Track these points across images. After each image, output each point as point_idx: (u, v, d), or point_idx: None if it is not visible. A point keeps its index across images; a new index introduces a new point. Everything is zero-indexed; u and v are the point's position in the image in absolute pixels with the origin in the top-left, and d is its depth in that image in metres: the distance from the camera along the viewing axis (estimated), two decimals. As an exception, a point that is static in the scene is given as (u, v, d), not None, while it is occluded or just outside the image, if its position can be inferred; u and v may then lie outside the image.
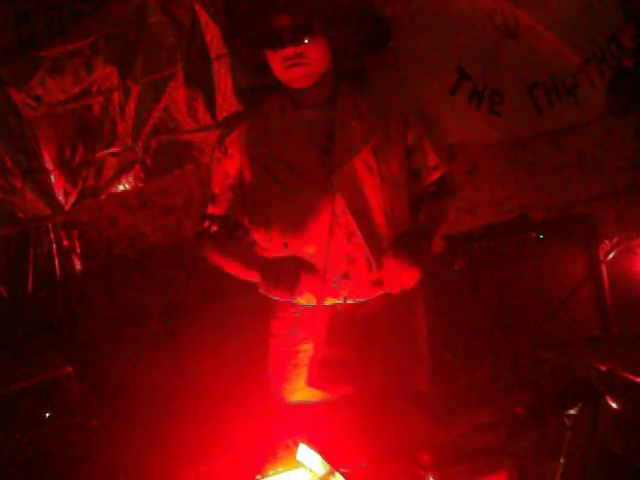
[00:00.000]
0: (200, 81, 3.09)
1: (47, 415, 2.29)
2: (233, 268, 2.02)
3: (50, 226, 3.01)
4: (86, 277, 3.04)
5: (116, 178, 3.07)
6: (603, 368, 1.87)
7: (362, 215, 1.90)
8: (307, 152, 1.89)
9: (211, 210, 2.07)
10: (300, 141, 1.89)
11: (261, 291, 1.94)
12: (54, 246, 3.01)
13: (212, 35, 3.08)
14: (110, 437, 2.22)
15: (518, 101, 3.47)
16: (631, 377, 1.81)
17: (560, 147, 3.62)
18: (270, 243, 1.97)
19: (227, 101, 3.11)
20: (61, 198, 2.99)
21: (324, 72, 1.91)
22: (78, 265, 3.06)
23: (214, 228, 2.04)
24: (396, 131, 1.96)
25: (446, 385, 1.91)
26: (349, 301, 1.96)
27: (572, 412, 1.69)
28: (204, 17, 3.07)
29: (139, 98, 3.04)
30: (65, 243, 3.04)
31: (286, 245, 1.92)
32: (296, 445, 1.64)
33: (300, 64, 1.84)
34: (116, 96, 3.01)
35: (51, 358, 2.47)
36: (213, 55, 3.09)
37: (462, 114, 3.42)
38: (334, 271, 1.92)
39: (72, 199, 3.00)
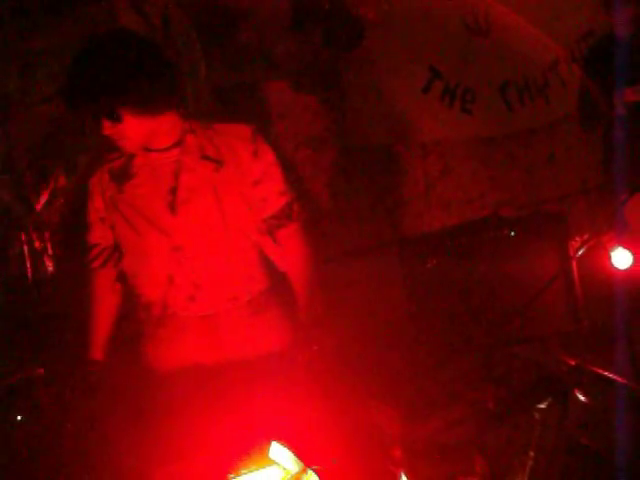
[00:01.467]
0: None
1: (18, 418, 2.27)
2: (86, 327, 2.19)
3: (22, 228, 2.98)
4: (58, 278, 3.01)
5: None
6: (572, 363, 1.90)
7: (202, 252, 2.02)
8: (153, 198, 1.99)
9: (91, 239, 2.16)
10: (147, 185, 1.99)
11: None
12: (26, 247, 2.98)
13: (184, 36, 3.07)
14: (83, 439, 2.20)
15: (490, 99, 3.52)
16: (599, 371, 1.85)
17: (531, 145, 3.66)
18: (125, 270, 2.12)
19: (201, 101, 3.10)
20: (33, 199, 2.97)
21: (154, 130, 1.95)
22: (50, 266, 3.03)
23: (97, 263, 2.15)
24: (242, 164, 2.04)
25: (418, 381, 1.92)
26: (200, 314, 2.06)
27: (542, 406, 1.71)
28: (176, 17, 3.05)
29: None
30: (37, 244, 3.01)
31: (134, 274, 2.07)
32: (268, 443, 1.64)
33: (119, 139, 1.91)
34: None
35: (22, 360, 2.44)
36: (186, 56, 3.08)
37: (434, 112, 3.46)
38: (182, 295, 2.04)
39: (43, 199, 2.98)
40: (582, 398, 1.76)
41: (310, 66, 3.29)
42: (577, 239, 2.81)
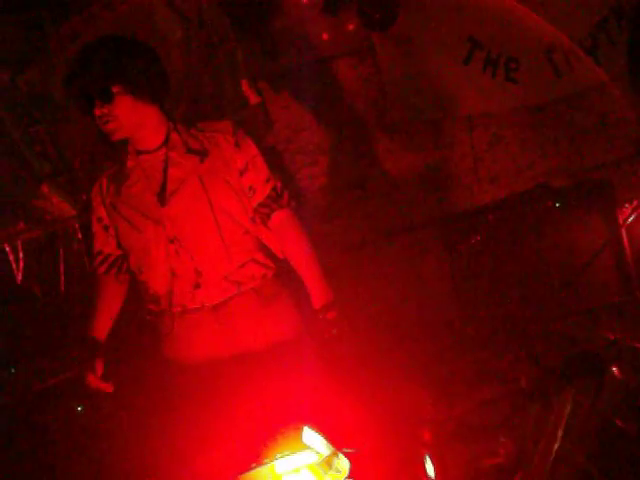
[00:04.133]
0: (209, 74, 3.13)
1: (79, 408, 2.40)
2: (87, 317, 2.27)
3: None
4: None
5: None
6: (612, 337, 1.86)
7: (196, 239, 2.11)
8: (145, 193, 2.12)
9: (96, 247, 2.29)
10: (140, 184, 2.12)
11: None
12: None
13: (218, 29, 3.11)
14: (135, 426, 2.31)
15: (535, 66, 3.40)
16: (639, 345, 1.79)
17: (582, 109, 3.53)
18: (130, 267, 2.22)
19: (238, 89, 3.14)
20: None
21: (141, 122, 2.09)
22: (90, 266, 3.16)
23: (103, 269, 2.27)
24: (225, 158, 2.14)
25: (452, 361, 1.92)
26: (207, 304, 2.13)
27: (576, 384, 1.68)
28: (210, 12, 3.09)
29: (152, 95, 3.09)
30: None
31: (139, 269, 2.17)
32: (301, 429, 1.69)
33: (109, 121, 2.05)
34: (130, 94, 3.07)
35: (81, 354, 2.56)
36: (221, 47, 3.12)
37: (477, 84, 3.38)
38: (186, 284, 2.12)
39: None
40: (620, 376, 1.71)
41: (347, 48, 3.28)
42: (627, 206, 2.71)
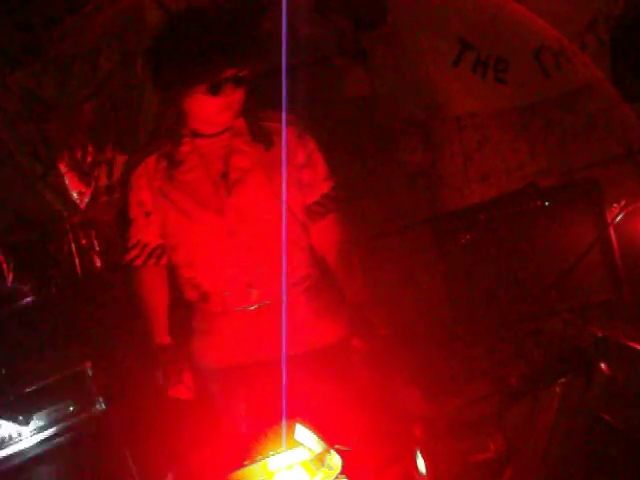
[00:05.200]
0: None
1: (71, 408, 2.40)
2: (145, 319, 2.19)
3: (68, 226, 3.12)
4: (106, 273, 3.14)
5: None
6: (599, 334, 1.88)
7: (259, 233, 2.02)
8: (204, 181, 2.00)
9: (132, 236, 2.17)
10: (197, 170, 2.00)
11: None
12: (73, 245, 3.12)
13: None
14: (129, 426, 2.32)
15: (524, 67, 3.41)
16: (628, 343, 1.81)
17: (571, 110, 3.55)
18: (177, 260, 2.11)
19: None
20: (76, 198, 3.10)
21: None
22: (98, 262, 3.16)
23: (139, 261, 2.16)
24: (288, 149, 2.03)
25: (443, 359, 1.93)
26: (256, 305, 2.05)
27: (564, 380, 1.70)
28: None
29: (144, 95, 3.10)
30: (84, 242, 3.14)
31: (192, 264, 2.05)
32: (293, 426, 1.70)
33: (232, 109, 1.95)
34: (121, 95, 3.08)
35: (72, 354, 2.57)
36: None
37: (467, 85, 3.38)
38: (239, 282, 2.03)
39: (86, 198, 3.10)
40: (607, 372, 1.73)
41: (336, 48, 3.30)
42: (615, 205, 2.73)
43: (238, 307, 2.05)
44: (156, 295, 2.21)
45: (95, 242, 3.16)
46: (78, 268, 3.11)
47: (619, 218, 2.56)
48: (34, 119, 3.00)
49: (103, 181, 3.13)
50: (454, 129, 3.54)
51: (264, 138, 2.02)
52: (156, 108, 3.09)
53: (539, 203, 2.70)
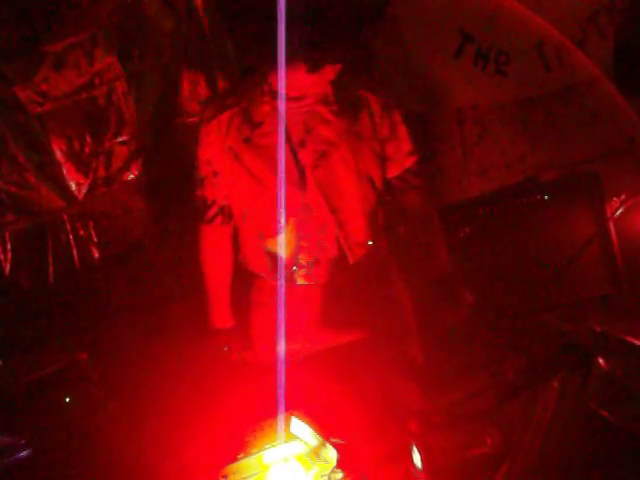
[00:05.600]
0: (201, 63, 3.12)
1: (67, 400, 2.39)
2: (206, 291, 2.13)
3: (66, 217, 3.11)
4: (104, 264, 3.13)
5: (126, 166, 3.14)
6: (598, 329, 1.86)
7: (337, 209, 1.92)
8: (283, 147, 1.86)
9: (200, 193, 2.08)
10: (276, 134, 1.85)
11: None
12: (71, 237, 3.11)
13: (209, 18, 3.09)
14: (128, 418, 2.31)
15: (525, 60, 3.39)
16: (627, 338, 1.80)
17: (572, 103, 3.53)
18: (246, 229, 2.03)
19: (229, 82, 3.13)
20: (74, 189, 3.09)
21: None
22: (96, 253, 3.15)
23: (207, 216, 2.07)
24: (371, 120, 1.94)
25: (442, 353, 1.92)
26: (319, 282, 2.01)
27: (561, 375, 1.69)
28: (199, 1, 3.08)
29: (142, 85, 3.09)
30: (81, 233, 3.13)
31: (261, 235, 1.98)
32: (289, 419, 1.69)
33: (325, 82, 1.87)
34: (119, 85, 3.08)
35: (67, 346, 2.57)
36: (211, 38, 3.11)
37: (468, 77, 3.37)
38: (306, 258, 1.96)
39: (84, 190, 3.10)
40: (605, 367, 1.72)
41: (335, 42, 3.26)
42: (615, 199, 2.71)
43: (301, 282, 1.96)
44: (221, 260, 2.08)
45: (93, 233, 3.15)
46: (76, 259, 3.10)
47: (619, 212, 2.54)
48: (31, 109, 2.97)
49: (101, 172, 3.13)
50: (454, 122, 3.52)
51: (351, 109, 1.89)
52: (155, 98, 3.10)
53: (538, 197, 2.67)
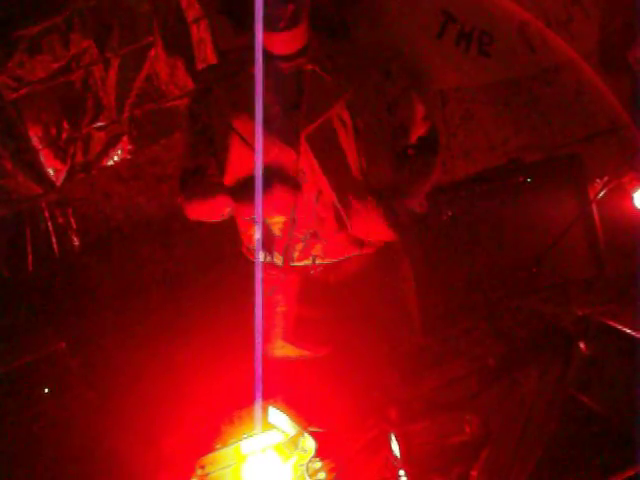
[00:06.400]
0: (179, 47, 3.07)
1: (46, 390, 2.36)
2: (203, 203, 1.91)
3: (44, 205, 3.06)
4: (84, 252, 3.09)
5: (105, 152, 3.09)
6: (579, 313, 1.85)
7: (334, 173, 1.83)
8: (275, 108, 1.80)
9: (188, 163, 1.99)
10: (268, 97, 1.76)
11: (230, 212, 1.87)
12: (50, 224, 3.06)
13: (188, 0, 3.04)
14: (106, 408, 2.29)
15: (508, 40, 3.36)
16: (609, 322, 1.78)
17: (556, 84, 3.50)
18: (241, 203, 1.93)
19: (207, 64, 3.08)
20: (52, 176, 3.04)
21: None
22: (75, 241, 3.11)
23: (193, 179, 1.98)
24: (374, 84, 1.85)
25: (421, 338, 1.91)
26: (318, 261, 1.93)
27: (542, 360, 1.68)
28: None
29: (120, 69, 3.04)
30: (60, 220, 3.09)
31: (254, 204, 1.88)
32: (266, 408, 1.67)
33: (297, 40, 1.80)
34: (96, 70, 3.01)
35: (46, 335, 2.53)
36: (190, 20, 3.06)
37: (451, 58, 3.33)
38: (303, 230, 1.89)
39: (62, 176, 3.05)
40: (586, 352, 1.70)
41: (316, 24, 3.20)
42: (598, 181, 2.71)
43: (299, 262, 1.89)
44: (202, 187, 1.92)
45: (72, 220, 3.10)
46: (55, 247, 3.06)
47: (602, 194, 2.53)
48: (6, 95, 2.91)
49: (79, 158, 3.07)
50: (437, 104, 3.48)
51: (346, 69, 1.79)
52: (133, 82, 3.05)
53: (521, 179, 2.66)
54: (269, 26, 1.72)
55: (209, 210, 1.91)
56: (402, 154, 1.97)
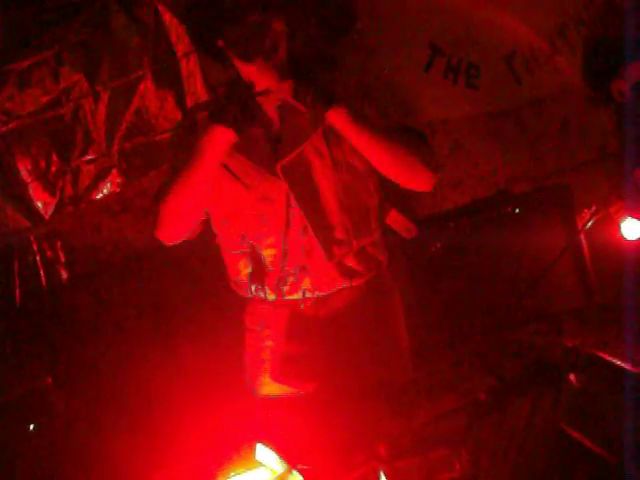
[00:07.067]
0: (169, 81, 3.09)
1: (32, 426, 2.33)
2: (186, 176, 1.83)
3: (32, 238, 3.04)
4: (72, 285, 3.06)
5: (94, 185, 3.09)
6: (569, 344, 1.84)
7: (313, 205, 1.84)
8: (260, 143, 1.84)
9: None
10: (253, 131, 1.82)
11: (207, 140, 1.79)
12: (38, 257, 3.05)
13: (177, 34, 3.06)
14: (93, 439, 2.25)
15: (495, 72, 3.41)
16: (599, 354, 1.78)
17: (543, 115, 3.54)
18: (227, 235, 1.95)
19: (197, 98, 3.09)
20: (40, 209, 3.03)
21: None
22: (64, 274, 3.08)
23: None
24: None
25: (409, 372, 1.89)
26: (308, 295, 1.92)
27: (532, 394, 1.67)
28: (167, 16, 3.05)
29: (109, 103, 3.04)
30: (49, 253, 3.07)
31: (244, 237, 1.90)
32: (254, 445, 1.65)
33: (272, 72, 1.79)
34: (86, 103, 3.02)
35: (32, 369, 2.50)
36: (180, 54, 3.08)
37: (438, 90, 3.37)
38: (293, 263, 1.89)
39: (51, 209, 3.03)
40: (577, 385, 1.70)
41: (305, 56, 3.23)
42: (586, 211, 2.72)
43: (289, 296, 1.89)
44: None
45: (61, 254, 3.08)
46: (43, 280, 3.03)
47: (590, 224, 2.54)
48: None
49: (69, 191, 3.06)
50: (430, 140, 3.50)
51: (321, 99, 1.76)
52: (123, 115, 3.06)
53: (510, 209, 2.67)
54: (244, 57, 1.76)
55: (195, 178, 1.82)
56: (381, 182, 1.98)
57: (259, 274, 1.91)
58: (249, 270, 1.91)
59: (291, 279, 1.90)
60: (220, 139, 1.75)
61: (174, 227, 1.92)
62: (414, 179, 1.93)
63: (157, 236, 1.94)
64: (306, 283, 1.90)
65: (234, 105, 1.72)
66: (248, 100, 1.74)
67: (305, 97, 1.75)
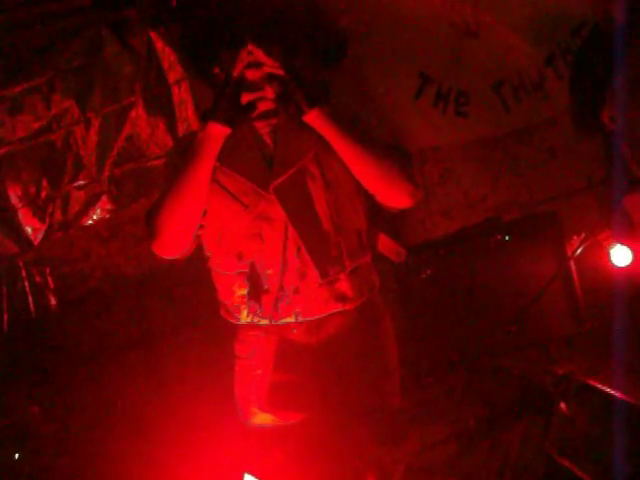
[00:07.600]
0: (160, 108, 3.10)
1: (16, 456, 2.29)
2: (183, 177, 1.83)
3: (21, 263, 3.02)
4: (61, 312, 3.04)
5: (84, 211, 3.08)
6: (560, 372, 1.84)
7: (306, 225, 1.86)
8: (255, 164, 1.87)
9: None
10: (248, 153, 1.87)
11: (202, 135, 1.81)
12: (27, 283, 3.03)
13: (169, 61, 3.09)
14: (80, 468, 2.22)
15: (484, 100, 3.44)
16: (589, 381, 1.77)
17: (532, 143, 3.57)
18: (222, 255, 1.94)
19: (188, 125, 3.11)
20: (30, 235, 3.02)
21: None
22: (53, 300, 3.07)
23: None
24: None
25: (399, 400, 1.88)
26: (300, 318, 1.91)
27: (523, 422, 1.66)
28: (160, 44, 3.07)
29: (100, 129, 3.06)
30: (38, 279, 3.05)
31: (240, 256, 1.90)
32: (243, 476, 1.63)
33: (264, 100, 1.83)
34: (77, 129, 3.03)
35: (19, 398, 2.47)
36: (171, 81, 3.10)
37: (428, 118, 3.39)
38: (288, 284, 1.89)
39: (40, 235, 3.03)
40: (567, 413, 1.69)
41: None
42: (575, 238, 2.73)
43: (282, 319, 1.89)
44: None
45: (49, 280, 3.07)
46: (32, 306, 3.01)
47: (579, 251, 2.55)
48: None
49: (58, 217, 3.06)
50: (416, 163, 3.52)
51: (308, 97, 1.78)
52: (114, 141, 3.07)
53: (499, 237, 2.68)
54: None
55: (192, 178, 1.82)
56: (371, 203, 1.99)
57: (257, 293, 1.90)
58: (245, 291, 1.91)
59: (285, 300, 1.89)
60: (215, 134, 1.77)
61: (171, 236, 1.89)
62: (396, 192, 1.92)
63: (154, 248, 1.91)
64: (299, 306, 1.90)
65: (225, 101, 1.75)
66: (239, 95, 1.77)
67: (293, 92, 1.78)
